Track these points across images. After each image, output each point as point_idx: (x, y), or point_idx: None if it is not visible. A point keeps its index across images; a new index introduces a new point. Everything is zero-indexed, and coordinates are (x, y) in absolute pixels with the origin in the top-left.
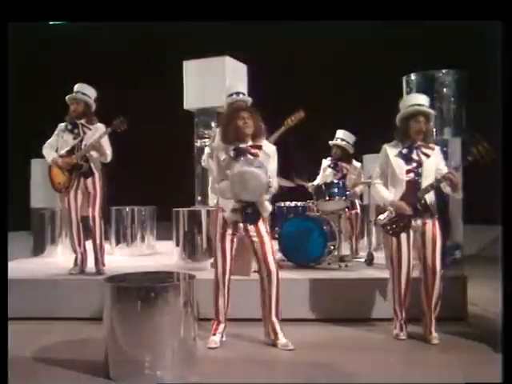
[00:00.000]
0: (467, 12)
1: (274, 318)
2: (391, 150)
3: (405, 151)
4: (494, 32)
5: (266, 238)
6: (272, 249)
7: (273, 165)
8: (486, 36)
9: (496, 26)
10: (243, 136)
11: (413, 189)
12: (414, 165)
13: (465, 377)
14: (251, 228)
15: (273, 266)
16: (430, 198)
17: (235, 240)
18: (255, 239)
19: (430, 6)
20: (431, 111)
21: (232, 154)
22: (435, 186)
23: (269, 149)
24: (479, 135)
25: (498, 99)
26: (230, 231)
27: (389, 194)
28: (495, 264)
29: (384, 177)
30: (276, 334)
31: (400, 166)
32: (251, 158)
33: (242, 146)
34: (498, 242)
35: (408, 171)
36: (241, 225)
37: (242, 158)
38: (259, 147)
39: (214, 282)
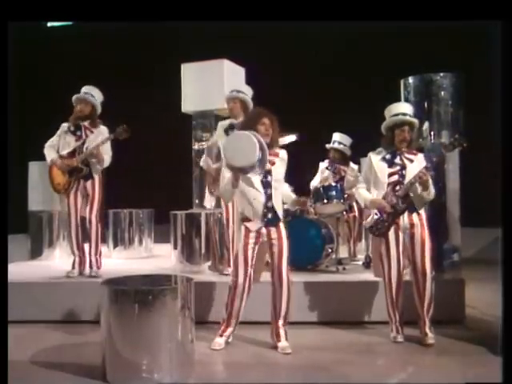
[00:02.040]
0: (467, 12)
1: (279, 323)
2: (375, 157)
3: (388, 157)
4: (495, 32)
5: (286, 244)
6: (288, 256)
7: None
8: (486, 36)
9: (496, 25)
10: None
11: (396, 190)
12: (398, 168)
13: (463, 379)
14: (273, 232)
15: (285, 274)
16: (416, 194)
17: (256, 248)
18: (274, 242)
19: (430, 6)
20: (415, 120)
21: None
22: (414, 183)
23: (284, 155)
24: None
25: (497, 100)
26: (252, 240)
27: (369, 195)
28: (493, 267)
29: (368, 183)
30: (279, 337)
31: (382, 170)
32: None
33: None
34: (496, 245)
35: (391, 174)
36: (264, 231)
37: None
38: (276, 154)
39: (232, 286)
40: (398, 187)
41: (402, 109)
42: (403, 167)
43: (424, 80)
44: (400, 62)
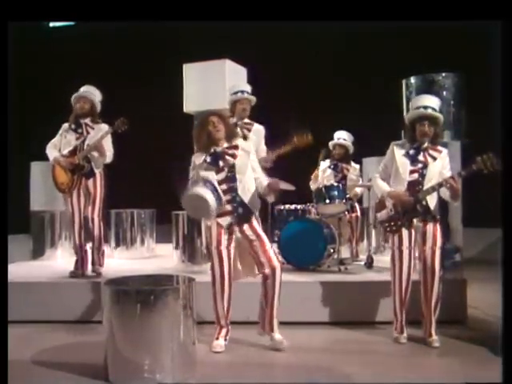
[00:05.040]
0: (467, 12)
1: (274, 313)
2: (398, 149)
3: (411, 152)
4: (495, 32)
5: (263, 235)
6: (271, 245)
7: (254, 160)
8: (486, 36)
9: (496, 25)
10: (216, 140)
11: (415, 189)
12: (420, 166)
13: (465, 379)
14: (247, 228)
15: (275, 262)
16: (432, 201)
17: (232, 244)
18: (253, 238)
19: (430, 6)
20: (436, 114)
21: (209, 159)
22: (437, 189)
23: (245, 146)
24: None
25: (497, 100)
26: (225, 236)
27: (386, 186)
28: (495, 267)
29: (386, 174)
30: (272, 327)
31: (404, 166)
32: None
33: (218, 149)
34: (498, 245)
35: (412, 171)
36: (236, 227)
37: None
38: (236, 147)
39: (211, 287)
40: (416, 188)
41: (426, 102)
42: (425, 165)
43: (426, 80)
44: (400, 61)
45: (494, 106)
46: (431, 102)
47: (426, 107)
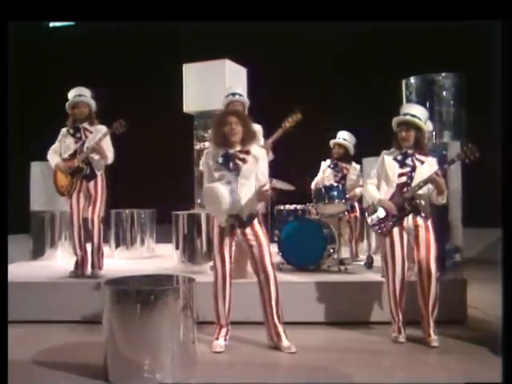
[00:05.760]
0: (467, 12)
1: (276, 321)
2: (388, 156)
3: (399, 157)
4: (495, 33)
5: (264, 241)
6: (269, 252)
7: (262, 167)
8: (487, 36)
9: (496, 25)
10: (231, 142)
11: (403, 191)
12: (408, 169)
13: (464, 379)
14: (249, 232)
15: (270, 269)
16: (421, 199)
17: (234, 244)
18: (253, 243)
19: (430, 6)
20: (412, 120)
21: (220, 160)
22: (422, 186)
23: (257, 152)
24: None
25: (497, 100)
26: (227, 237)
27: (377, 193)
28: (495, 267)
29: (377, 179)
30: (279, 336)
31: (393, 169)
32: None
33: (231, 151)
34: (498, 245)
35: (401, 174)
36: (237, 230)
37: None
38: (247, 152)
39: (213, 286)
40: (405, 189)
41: (405, 109)
42: (413, 169)
43: (426, 80)
44: (400, 61)
45: (494, 105)
46: (411, 109)
47: (405, 114)
